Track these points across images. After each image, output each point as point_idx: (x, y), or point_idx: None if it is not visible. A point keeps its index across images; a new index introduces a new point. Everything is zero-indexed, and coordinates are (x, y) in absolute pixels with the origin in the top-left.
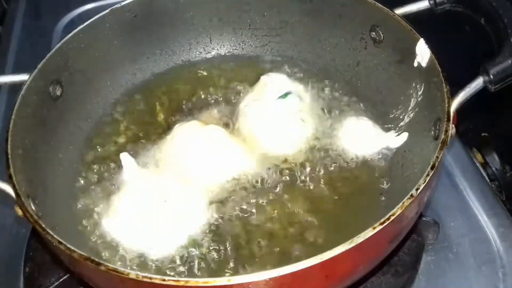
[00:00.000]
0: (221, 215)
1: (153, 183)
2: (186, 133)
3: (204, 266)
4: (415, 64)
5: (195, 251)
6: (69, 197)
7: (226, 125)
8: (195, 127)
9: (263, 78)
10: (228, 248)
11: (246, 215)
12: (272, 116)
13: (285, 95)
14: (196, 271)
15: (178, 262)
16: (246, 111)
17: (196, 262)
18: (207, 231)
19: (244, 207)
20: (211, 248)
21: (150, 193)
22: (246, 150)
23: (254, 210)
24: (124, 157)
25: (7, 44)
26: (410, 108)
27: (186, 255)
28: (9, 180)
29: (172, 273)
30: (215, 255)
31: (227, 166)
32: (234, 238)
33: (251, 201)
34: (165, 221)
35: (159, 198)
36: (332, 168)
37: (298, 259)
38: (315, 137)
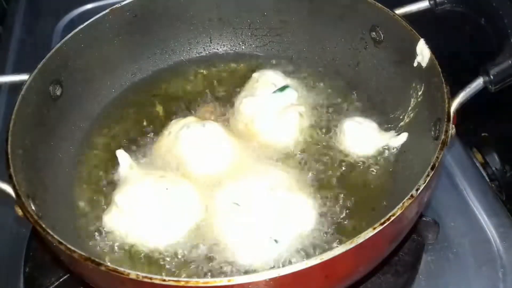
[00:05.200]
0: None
1: (150, 178)
2: (182, 128)
3: (202, 259)
4: (415, 64)
5: (193, 244)
6: (69, 196)
7: (223, 121)
8: (191, 123)
9: (254, 75)
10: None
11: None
12: (270, 109)
13: (283, 88)
14: (195, 264)
15: (178, 255)
16: (243, 106)
17: (195, 254)
18: (203, 224)
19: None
20: (207, 240)
21: (148, 188)
22: (242, 144)
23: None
24: (120, 154)
25: (7, 44)
26: (410, 108)
27: (184, 248)
28: (9, 180)
29: (175, 263)
30: (212, 247)
31: (222, 160)
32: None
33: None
34: (164, 214)
35: (157, 191)
36: (331, 167)
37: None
38: (313, 134)
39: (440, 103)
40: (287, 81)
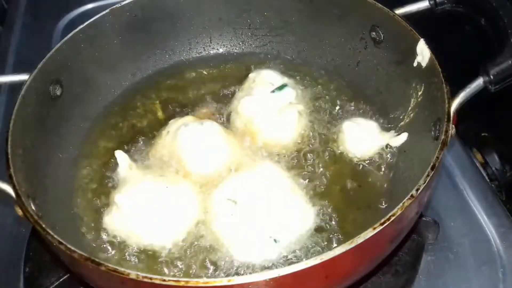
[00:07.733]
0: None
1: (149, 178)
2: (180, 128)
3: (202, 258)
4: (415, 64)
5: (192, 242)
6: (69, 196)
7: (222, 121)
8: (189, 122)
9: (250, 75)
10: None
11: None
12: (269, 108)
13: (281, 87)
14: (195, 263)
15: (177, 254)
16: (241, 106)
17: (194, 254)
18: (203, 223)
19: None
20: (207, 239)
21: (147, 187)
22: (241, 143)
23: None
24: (119, 154)
25: (7, 44)
26: (410, 108)
27: (184, 247)
28: (9, 180)
29: (175, 262)
30: (211, 246)
31: (221, 159)
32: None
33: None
34: (164, 213)
35: (156, 191)
36: (331, 167)
37: None
38: (312, 134)
39: (440, 103)
40: (285, 80)
